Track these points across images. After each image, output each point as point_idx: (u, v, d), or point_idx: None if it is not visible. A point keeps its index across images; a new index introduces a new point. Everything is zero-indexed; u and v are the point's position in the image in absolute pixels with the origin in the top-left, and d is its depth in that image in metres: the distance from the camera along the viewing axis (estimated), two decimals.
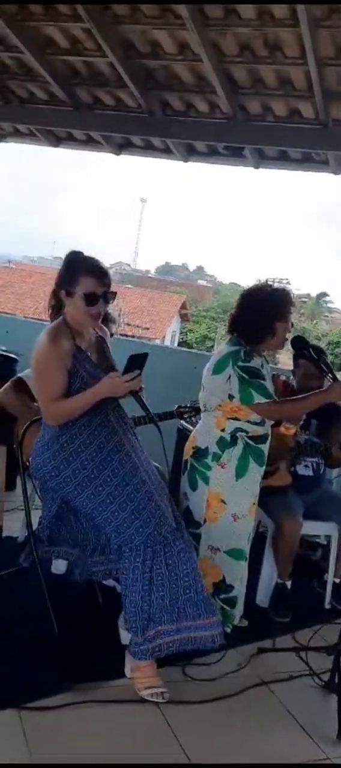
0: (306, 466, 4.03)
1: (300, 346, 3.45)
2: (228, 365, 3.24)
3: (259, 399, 3.20)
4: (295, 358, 4.02)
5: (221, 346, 3.44)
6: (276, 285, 3.38)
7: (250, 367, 3.22)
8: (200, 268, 68.69)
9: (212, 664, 3.07)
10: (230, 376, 3.22)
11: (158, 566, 2.79)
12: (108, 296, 2.89)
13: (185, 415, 4.25)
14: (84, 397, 2.82)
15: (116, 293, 2.97)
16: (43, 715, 2.57)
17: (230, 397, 3.24)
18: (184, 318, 36.67)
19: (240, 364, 3.22)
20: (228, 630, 3.28)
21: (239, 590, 3.39)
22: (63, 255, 3.04)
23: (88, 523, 2.95)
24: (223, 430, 3.29)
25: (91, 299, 2.82)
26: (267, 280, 3.43)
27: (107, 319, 3.35)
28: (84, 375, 2.85)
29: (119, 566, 2.87)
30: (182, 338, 35.02)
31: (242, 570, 3.39)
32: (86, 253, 2.95)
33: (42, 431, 2.96)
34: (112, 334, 3.39)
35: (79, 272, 2.83)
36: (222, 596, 3.31)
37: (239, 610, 3.42)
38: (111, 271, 3.09)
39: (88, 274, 2.82)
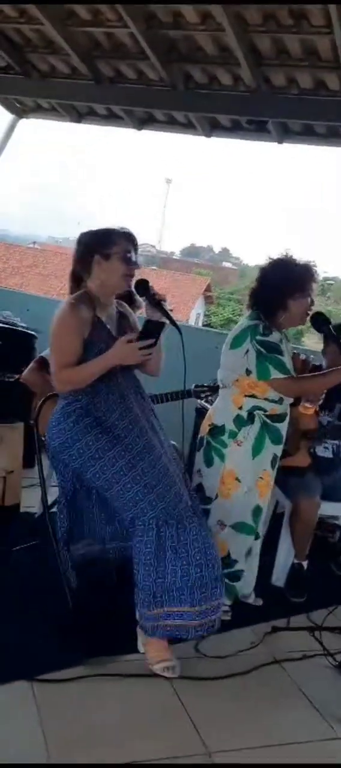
0: (326, 447, 3.98)
1: (320, 323, 3.36)
2: (246, 339, 3.19)
3: (276, 374, 3.14)
4: (325, 338, 3.93)
5: (241, 321, 3.39)
6: (295, 259, 3.29)
7: (268, 342, 3.16)
8: (225, 250, 68.14)
9: (224, 641, 3.05)
10: (248, 350, 3.17)
11: (171, 542, 2.77)
12: (137, 263, 2.94)
13: (203, 395, 4.22)
14: (95, 363, 2.82)
15: (140, 264, 2.99)
16: (54, 687, 2.58)
17: (248, 371, 3.18)
18: (208, 300, 36.48)
19: (258, 338, 3.16)
20: (228, 603, 3.25)
21: (244, 566, 3.35)
22: None
23: (100, 509, 2.94)
24: (240, 408, 3.24)
25: (128, 260, 2.87)
26: (289, 255, 3.34)
27: (132, 301, 3.33)
28: (102, 347, 2.84)
29: (129, 552, 2.85)
30: (206, 321, 34.86)
31: (248, 544, 3.34)
32: None
33: (58, 403, 2.95)
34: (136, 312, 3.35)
35: (115, 235, 2.90)
36: (225, 570, 3.25)
37: (244, 586, 3.40)
38: None
39: (123, 237, 2.90)
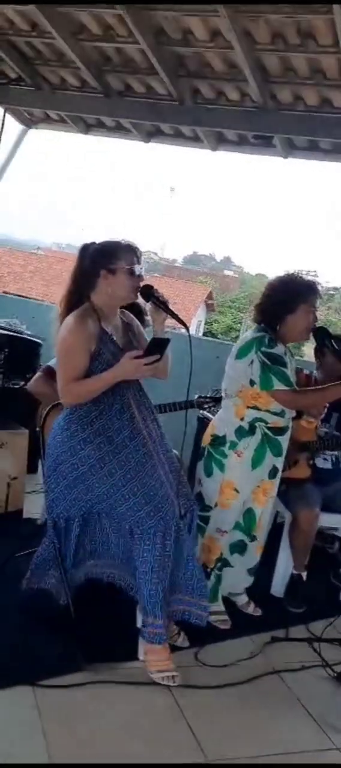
0: (325, 458, 4.04)
1: (322, 337, 3.42)
2: (252, 350, 3.25)
3: (279, 386, 3.20)
4: (317, 350, 4.00)
5: (247, 333, 3.45)
6: (303, 276, 3.36)
7: (273, 354, 3.22)
8: (227, 259, 68.27)
9: (223, 651, 3.11)
10: (252, 361, 3.23)
11: (167, 551, 2.83)
12: (142, 275, 2.98)
13: (206, 405, 4.26)
14: (102, 378, 2.86)
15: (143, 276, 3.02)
16: (56, 692, 2.62)
17: (252, 382, 3.25)
18: (210, 308, 36.52)
19: (263, 349, 3.22)
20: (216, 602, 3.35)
21: (230, 558, 3.43)
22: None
23: (102, 528, 3.00)
24: (242, 419, 3.30)
25: (134, 272, 2.91)
26: (294, 271, 3.41)
27: (140, 312, 3.39)
28: (109, 358, 2.89)
29: (128, 579, 2.95)
30: (207, 328, 34.88)
31: (236, 537, 3.42)
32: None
33: (63, 412, 3.00)
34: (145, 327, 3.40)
35: (120, 249, 2.93)
36: (219, 564, 3.37)
37: (235, 581, 3.49)
38: None
39: (129, 250, 2.93)
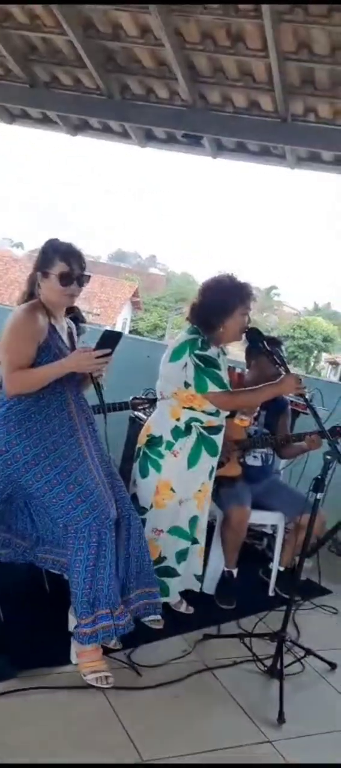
0: (255, 456, 4.11)
1: (255, 338, 3.47)
2: (185, 353, 3.26)
3: (213, 388, 3.22)
4: (249, 351, 4.05)
5: (180, 334, 3.45)
6: (235, 277, 3.38)
7: (206, 356, 3.24)
8: (152, 257, 68.43)
9: (157, 650, 3.10)
10: (186, 364, 3.24)
11: (103, 549, 2.81)
12: (82, 279, 2.94)
13: (140, 407, 4.24)
14: (50, 368, 2.83)
15: (90, 276, 3.00)
16: None
17: (186, 384, 3.25)
18: (136, 306, 36.53)
19: (197, 352, 3.23)
20: (164, 599, 3.32)
21: (175, 565, 3.41)
22: None
23: (36, 512, 2.97)
24: (178, 420, 3.31)
25: (65, 280, 2.87)
26: (228, 273, 3.44)
27: (75, 318, 3.36)
28: (56, 352, 2.86)
29: (65, 559, 2.88)
30: (133, 326, 34.91)
31: (180, 546, 3.41)
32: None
33: (1, 407, 2.90)
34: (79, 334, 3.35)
35: (56, 255, 2.90)
36: (158, 566, 3.33)
37: (178, 585, 3.46)
38: None
39: (63, 257, 2.89)
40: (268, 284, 53.05)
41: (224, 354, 3.45)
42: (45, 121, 6.06)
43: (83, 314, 3.40)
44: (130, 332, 31.61)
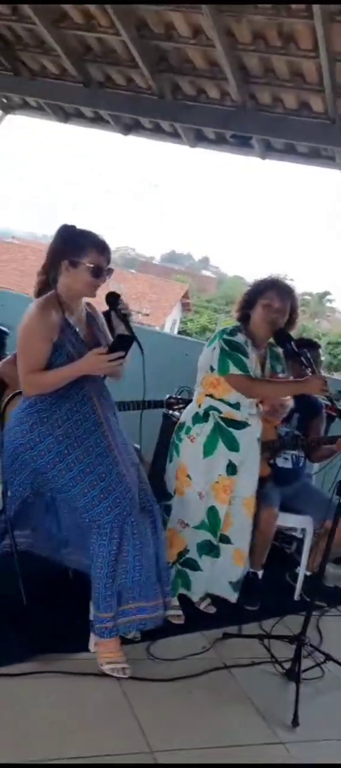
0: (286, 458, 4.06)
1: (283, 340, 3.45)
2: (217, 338, 3.37)
3: (235, 371, 3.27)
4: (285, 355, 4.01)
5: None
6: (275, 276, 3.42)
7: (233, 341, 3.32)
8: (205, 259, 68.56)
9: (175, 645, 3.10)
10: (215, 348, 3.34)
11: (125, 546, 2.82)
12: (110, 272, 2.91)
13: (175, 407, 4.23)
14: (64, 370, 2.81)
15: (113, 270, 2.96)
16: (3, 681, 2.58)
17: (212, 368, 3.34)
18: (185, 307, 36.53)
19: (225, 337, 3.33)
20: (184, 592, 3.33)
21: (198, 559, 3.40)
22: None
23: (61, 508, 2.98)
24: (199, 406, 3.39)
25: (97, 272, 2.84)
26: (276, 275, 3.47)
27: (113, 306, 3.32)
28: (70, 350, 2.83)
29: (88, 561, 2.88)
30: (182, 327, 34.92)
31: (203, 537, 3.39)
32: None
33: (20, 403, 2.94)
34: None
35: (87, 244, 2.84)
36: (182, 559, 3.37)
37: (203, 584, 3.44)
38: (115, 255, 3.10)
39: (96, 247, 2.84)
40: (322, 290, 52.32)
41: (276, 358, 3.50)
42: (97, 121, 6.18)
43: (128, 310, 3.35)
44: (179, 333, 31.68)
